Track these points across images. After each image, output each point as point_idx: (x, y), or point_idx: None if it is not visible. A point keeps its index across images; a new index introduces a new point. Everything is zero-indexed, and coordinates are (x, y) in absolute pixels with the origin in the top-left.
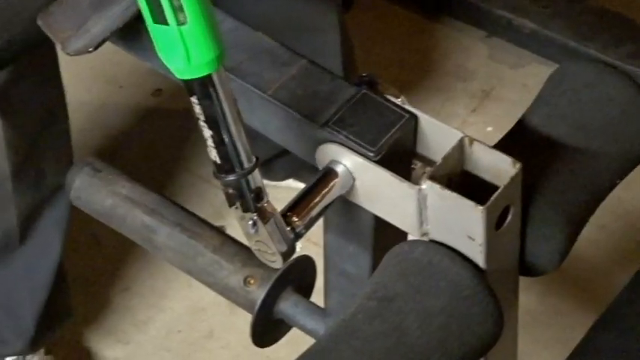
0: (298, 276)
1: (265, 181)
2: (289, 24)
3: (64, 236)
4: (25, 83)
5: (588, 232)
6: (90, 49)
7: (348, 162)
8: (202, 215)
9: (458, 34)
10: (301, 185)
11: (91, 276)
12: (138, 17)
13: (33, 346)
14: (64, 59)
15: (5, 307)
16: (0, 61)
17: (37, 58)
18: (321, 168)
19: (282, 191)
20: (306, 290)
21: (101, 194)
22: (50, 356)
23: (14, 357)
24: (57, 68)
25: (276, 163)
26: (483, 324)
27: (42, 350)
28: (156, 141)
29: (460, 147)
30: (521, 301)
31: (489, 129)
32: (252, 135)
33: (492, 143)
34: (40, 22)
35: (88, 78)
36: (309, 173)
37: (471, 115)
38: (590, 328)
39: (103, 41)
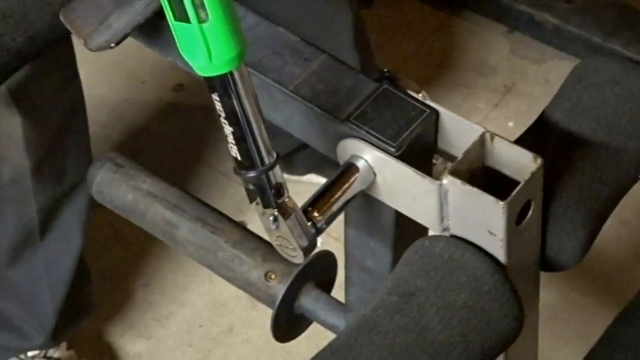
0: (319, 271)
1: (286, 176)
2: (302, 21)
3: (85, 230)
4: (44, 81)
5: (610, 226)
6: (112, 45)
7: (369, 157)
8: (223, 210)
9: (479, 29)
10: (322, 180)
11: (113, 271)
12: (159, 13)
13: (54, 340)
14: (86, 54)
15: (26, 301)
16: (23, 58)
17: (55, 55)
18: (342, 163)
19: (304, 186)
20: (326, 285)
21: (122, 189)
22: (72, 351)
23: (36, 351)
24: (75, 65)
25: (297, 157)
26: (504, 319)
27: (64, 345)
28: (177, 136)
29: (481, 142)
30: (541, 296)
31: (511, 124)
32: (273, 129)
33: (514, 139)
34: (62, 18)
35: (110, 73)
36: (330, 168)
37: (493, 110)
38: (611, 324)
39: (125, 37)
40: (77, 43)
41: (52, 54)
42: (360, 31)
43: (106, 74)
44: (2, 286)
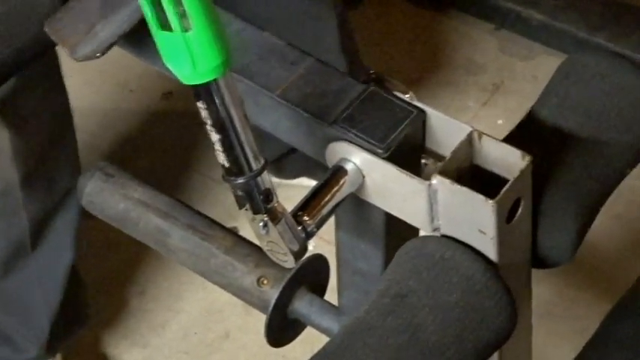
0: (311, 275)
1: (277, 180)
2: (287, 26)
3: (76, 240)
4: (30, 93)
5: (603, 221)
6: (98, 54)
7: (357, 159)
8: (214, 217)
9: (467, 27)
10: (313, 183)
11: (107, 280)
12: (145, 21)
13: (49, 351)
14: (73, 64)
15: (19, 313)
16: (10, 69)
17: (40, 66)
18: (330, 166)
19: (294, 190)
20: (319, 289)
21: (113, 199)
22: None
23: None
24: (60, 75)
25: (287, 161)
26: (497, 317)
27: (59, 356)
28: (167, 144)
29: (469, 141)
30: (535, 293)
31: (500, 122)
32: (262, 134)
33: (503, 136)
34: (47, 29)
35: (98, 82)
36: (320, 171)
37: (482, 108)
38: (605, 318)
39: (111, 46)
40: (63, 53)
41: (37, 65)
42: (347, 33)
43: (94, 83)
44: None
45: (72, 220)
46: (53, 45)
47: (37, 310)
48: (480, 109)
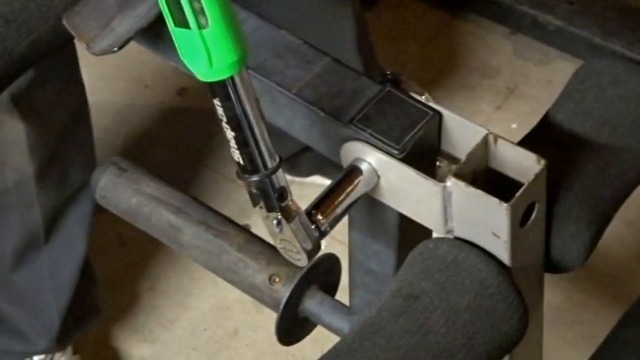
0: (323, 274)
1: (290, 178)
2: (304, 26)
3: (89, 233)
4: (46, 86)
5: (614, 228)
6: (114, 49)
7: (372, 160)
8: (227, 214)
9: (482, 31)
10: (326, 181)
11: (117, 275)
12: (162, 17)
13: (59, 344)
14: (88, 59)
15: (30, 305)
16: (26, 63)
17: (57, 60)
18: (345, 166)
19: (308, 188)
20: (331, 288)
21: (126, 193)
22: (77, 356)
23: (42, 356)
24: (77, 69)
25: (302, 158)
26: (509, 321)
27: (70, 349)
28: (181, 140)
29: (484, 144)
30: (546, 298)
31: (514, 126)
32: (277, 131)
33: (517, 140)
34: (65, 22)
35: (114, 77)
36: (334, 169)
37: (496, 112)
38: (615, 325)
39: (128, 41)
40: (79, 48)
41: (54, 59)
42: (363, 33)
43: (109, 79)
44: (7, 290)
45: (85, 214)
46: (70, 38)
47: (48, 303)
48: (493, 112)
